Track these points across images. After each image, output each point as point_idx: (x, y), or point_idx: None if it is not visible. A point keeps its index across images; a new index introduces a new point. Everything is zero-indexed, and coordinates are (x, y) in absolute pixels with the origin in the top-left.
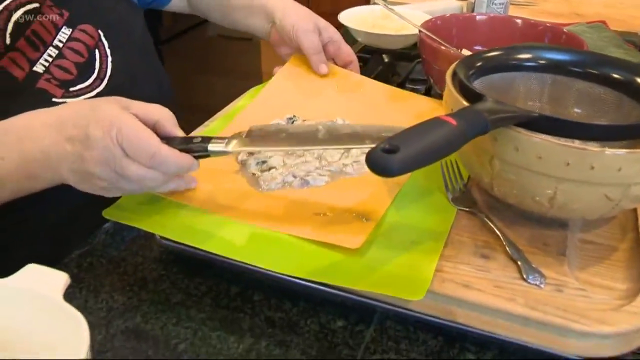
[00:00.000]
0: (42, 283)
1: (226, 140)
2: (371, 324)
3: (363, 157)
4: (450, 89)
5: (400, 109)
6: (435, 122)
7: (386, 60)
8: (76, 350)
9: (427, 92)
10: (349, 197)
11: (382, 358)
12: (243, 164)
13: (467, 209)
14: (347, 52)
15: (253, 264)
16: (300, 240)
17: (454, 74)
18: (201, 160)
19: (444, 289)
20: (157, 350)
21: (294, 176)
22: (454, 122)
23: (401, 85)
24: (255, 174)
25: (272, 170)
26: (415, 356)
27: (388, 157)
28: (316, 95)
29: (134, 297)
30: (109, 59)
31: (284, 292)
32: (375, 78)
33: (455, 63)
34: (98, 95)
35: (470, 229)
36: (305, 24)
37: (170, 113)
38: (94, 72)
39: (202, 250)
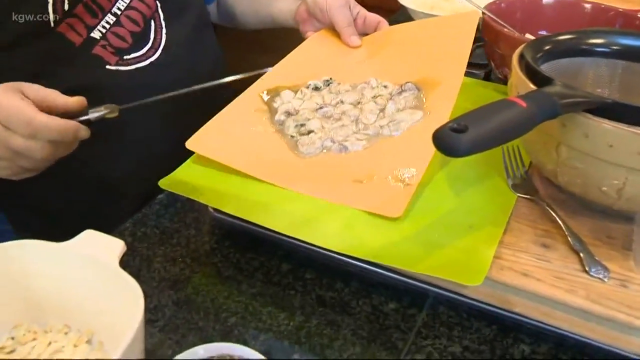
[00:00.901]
0: (99, 249)
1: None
2: (423, 309)
3: (399, 115)
4: (517, 72)
5: (429, 40)
6: (505, 103)
7: None
8: (132, 317)
9: (487, 77)
10: (387, 161)
11: (434, 343)
12: (281, 124)
13: (527, 196)
14: (374, 17)
15: (307, 240)
16: (355, 218)
17: (521, 57)
18: (240, 120)
19: (502, 276)
20: (208, 322)
21: (333, 141)
22: (523, 104)
23: None
24: (294, 137)
25: (311, 135)
26: (468, 343)
27: (456, 136)
28: (349, 59)
29: (186, 268)
30: (164, 30)
31: (335, 271)
32: None
33: (522, 45)
34: (152, 64)
35: (530, 217)
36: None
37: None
38: (148, 42)
39: (253, 224)
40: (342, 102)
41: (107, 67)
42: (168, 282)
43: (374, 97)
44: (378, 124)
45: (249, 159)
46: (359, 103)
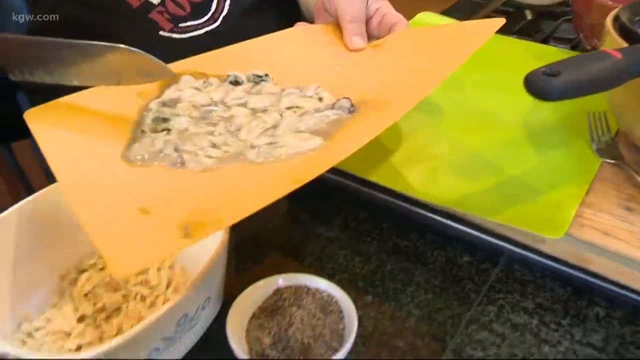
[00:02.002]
0: None
1: None
2: (497, 265)
3: (285, 138)
4: (610, 33)
5: (427, 50)
6: (599, 54)
7: (529, 17)
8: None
9: (573, 50)
10: (207, 194)
11: (507, 297)
12: (145, 111)
13: (612, 161)
14: (392, 17)
15: (390, 187)
16: (437, 169)
17: (616, 19)
18: (108, 100)
19: (582, 233)
20: (285, 259)
21: (177, 149)
22: (618, 55)
23: (544, 43)
24: (144, 132)
25: (159, 135)
26: (541, 301)
27: (549, 79)
28: (321, 61)
29: (266, 209)
30: (227, 2)
31: (412, 223)
32: (516, 34)
33: (617, 8)
34: (207, 33)
35: (615, 182)
36: None
37: None
38: (208, 13)
39: (331, 171)
40: (244, 105)
41: (161, 32)
42: (247, 221)
43: (289, 107)
44: (251, 142)
45: (66, 151)
46: (265, 111)
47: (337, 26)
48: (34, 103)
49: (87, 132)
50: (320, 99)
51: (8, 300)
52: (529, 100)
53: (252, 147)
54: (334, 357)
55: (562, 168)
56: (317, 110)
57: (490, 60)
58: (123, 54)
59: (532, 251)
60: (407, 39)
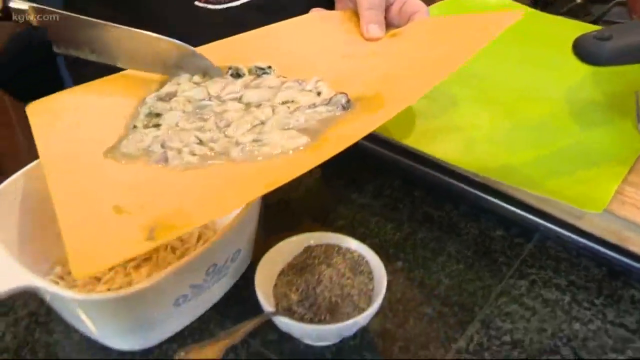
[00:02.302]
0: None
1: None
2: (531, 241)
3: (271, 135)
4: None
5: (437, 43)
6: None
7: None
8: None
9: None
10: (183, 194)
11: (539, 273)
12: (140, 106)
13: None
14: (412, 5)
15: (425, 152)
16: (476, 140)
17: None
18: (115, 90)
19: (623, 210)
20: (316, 221)
21: (163, 146)
22: None
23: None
24: (136, 127)
25: (150, 130)
26: (575, 279)
27: (600, 43)
28: (336, 50)
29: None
30: None
31: (446, 194)
32: (564, 15)
33: None
34: (244, 5)
35: None
36: None
37: None
38: None
39: (366, 139)
40: (239, 99)
41: (196, 2)
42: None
43: (285, 102)
44: (237, 139)
45: (58, 144)
46: (259, 105)
47: (356, 13)
48: (71, 71)
49: (83, 126)
50: (319, 93)
51: (40, 243)
52: (574, 77)
53: (237, 144)
54: (361, 316)
55: (605, 146)
56: (310, 106)
57: (536, 36)
58: (172, 47)
59: (568, 228)
60: (425, 29)
